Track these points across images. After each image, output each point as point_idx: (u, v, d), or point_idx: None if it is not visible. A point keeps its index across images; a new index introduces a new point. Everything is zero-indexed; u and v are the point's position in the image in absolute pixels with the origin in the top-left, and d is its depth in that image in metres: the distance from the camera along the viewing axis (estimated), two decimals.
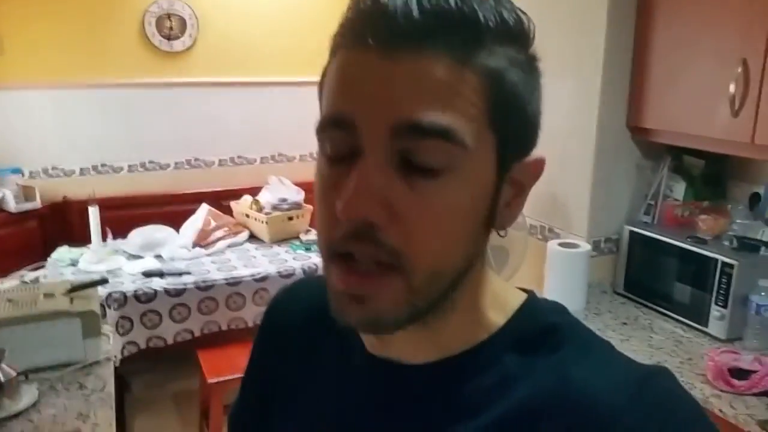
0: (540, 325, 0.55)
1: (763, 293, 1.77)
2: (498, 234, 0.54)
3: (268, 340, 0.73)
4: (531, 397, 0.50)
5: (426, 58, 0.45)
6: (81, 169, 3.83)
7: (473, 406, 0.52)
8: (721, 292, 1.85)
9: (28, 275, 2.80)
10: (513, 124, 0.50)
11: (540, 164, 0.53)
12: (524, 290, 0.60)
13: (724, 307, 1.84)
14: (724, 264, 1.84)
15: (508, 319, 0.56)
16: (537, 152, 0.53)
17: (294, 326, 0.70)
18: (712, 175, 2.18)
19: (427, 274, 0.49)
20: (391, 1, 0.46)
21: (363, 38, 0.47)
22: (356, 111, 0.47)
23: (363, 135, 0.46)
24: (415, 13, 0.45)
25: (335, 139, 0.49)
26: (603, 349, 0.54)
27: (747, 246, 1.90)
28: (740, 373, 1.62)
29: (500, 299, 0.57)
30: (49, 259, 3.04)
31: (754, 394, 1.57)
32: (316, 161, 0.53)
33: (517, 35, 0.49)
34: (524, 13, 0.50)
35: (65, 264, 2.97)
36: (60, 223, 3.62)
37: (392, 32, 0.45)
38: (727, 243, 1.95)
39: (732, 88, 1.73)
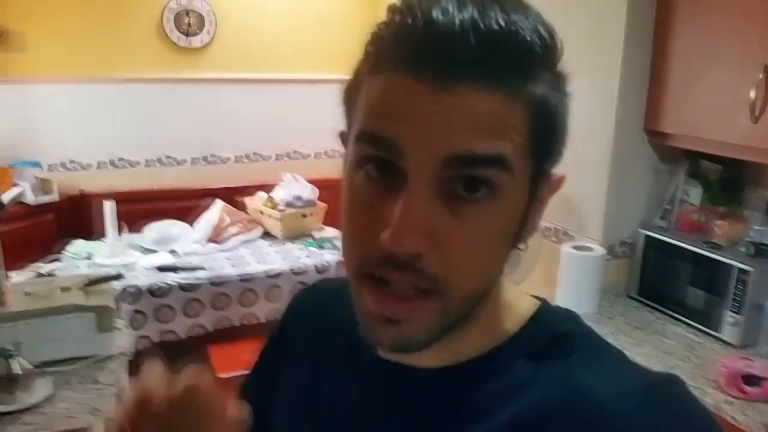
0: (551, 332, 0.55)
1: None
2: (518, 248, 0.55)
3: (284, 338, 0.75)
4: (540, 403, 0.50)
5: (481, 90, 0.45)
6: (98, 163, 3.85)
7: (483, 411, 0.53)
8: (736, 298, 1.83)
9: (44, 267, 2.83)
10: (550, 148, 0.51)
11: (561, 181, 0.55)
12: (537, 298, 0.60)
13: (739, 313, 1.83)
14: (740, 270, 1.83)
15: (520, 326, 0.56)
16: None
17: (308, 326, 0.71)
18: (729, 180, 2.16)
19: (462, 295, 0.49)
20: (443, 24, 0.44)
21: (415, 65, 0.45)
22: (406, 139, 0.46)
23: (411, 163, 0.46)
24: (471, 41, 0.44)
25: (376, 158, 0.48)
26: (613, 356, 0.54)
27: (763, 252, 1.88)
28: (753, 380, 1.60)
29: (513, 307, 0.57)
30: (64, 252, 3.07)
31: (767, 401, 1.56)
32: (345, 170, 0.52)
33: (552, 53, 0.49)
34: (548, 23, 0.49)
35: (81, 257, 3.00)
36: (76, 217, 3.65)
37: (447, 63, 0.44)
38: (743, 249, 1.93)
39: (752, 93, 1.71)
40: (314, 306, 0.73)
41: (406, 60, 0.46)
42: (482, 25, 0.44)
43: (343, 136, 0.55)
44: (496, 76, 0.45)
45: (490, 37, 0.44)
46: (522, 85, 0.46)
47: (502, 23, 0.45)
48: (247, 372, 0.80)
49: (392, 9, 0.48)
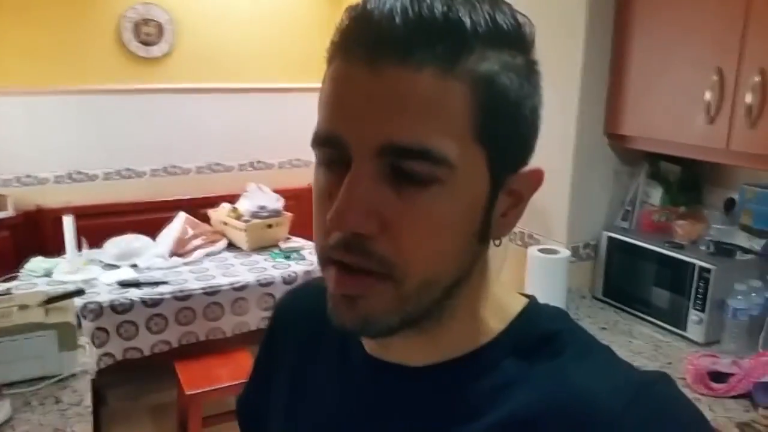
0: (540, 330, 0.55)
1: (739, 297, 1.79)
2: (493, 244, 0.54)
3: (274, 343, 0.75)
4: (530, 402, 0.50)
5: (410, 69, 0.45)
6: (55, 177, 3.77)
7: (472, 410, 0.53)
8: (699, 296, 1.87)
9: (1, 286, 2.74)
10: (504, 135, 0.49)
11: (538, 175, 0.53)
12: (525, 295, 0.60)
13: (702, 311, 1.86)
14: (701, 269, 1.86)
15: (508, 324, 0.56)
16: (534, 163, 0.53)
17: (297, 328, 0.71)
18: (688, 180, 2.21)
19: (418, 282, 0.49)
20: (376, 11, 0.46)
21: (350, 50, 0.47)
22: (344, 130, 0.47)
23: (352, 151, 0.47)
24: (398, 21, 0.45)
25: (327, 152, 0.50)
26: (603, 355, 0.54)
27: (723, 251, 1.92)
28: (719, 377, 1.63)
29: (501, 305, 0.57)
30: (22, 269, 2.98)
31: (733, 397, 1.59)
32: (314, 169, 0.53)
33: (513, 39, 0.49)
34: (524, 16, 0.50)
35: (39, 274, 2.92)
36: (33, 233, 3.55)
37: (376, 43, 0.46)
38: (703, 248, 1.97)
39: (708, 95, 1.75)
40: (303, 306, 0.72)
41: (343, 47, 0.48)
42: (410, 9, 0.45)
43: None
44: (422, 52, 0.45)
45: (415, 17, 0.45)
46: (454, 59, 0.46)
47: (436, 6, 0.45)
48: (243, 384, 0.80)
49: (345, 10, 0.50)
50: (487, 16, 0.47)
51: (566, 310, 2.15)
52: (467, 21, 0.46)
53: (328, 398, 0.63)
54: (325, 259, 0.51)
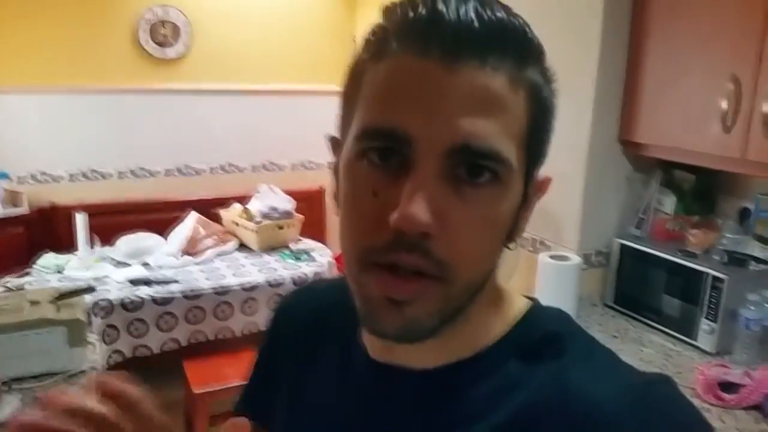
0: (542, 333, 0.56)
1: (752, 307, 1.77)
2: (507, 248, 0.55)
3: (274, 344, 0.75)
4: (531, 404, 0.51)
5: (487, 70, 0.46)
6: (70, 175, 3.80)
7: (475, 412, 0.53)
8: (711, 306, 1.85)
9: (13, 282, 2.76)
10: (539, 143, 0.52)
11: (547, 184, 0.56)
12: (529, 298, 0.61)
13: (714, 321, 1.84)
14: (714, 278, 1.85)
15: (512, 326, 0.57)
16: (546, 169, 0.55)
17: (298, 330, 0.71)
18: (702, 189, 2.19)
19: (463, 283, 0.49)
20: (449, 10, 0.46)
21: (419, 45, 0.47)
22: (410, 125, 0.46)
23: (418, 149, 0.46)
24: (476, 23, 0.46)
25: (382, 147, 0.48)
26: (605, 357, 0.55)
27: (736, 260, 1.90)
28: (730, 387, 1.62)
29: (505, 306, 0.58)
30: (34, 265, 3.00)
31: (744, 408, 1.57)
32: (343, 166, 0.52)
33: (543, 55, 0.52)
34: None
35: (51, 271, 2.94)
36: (47, 230, 3.58)
37: (455, 41, 0.46)
38: (716, 257, 1.95)
39: (723, 104, 1.74)
40: (305, 308, 0.73)
41: (413, 40, 0.47)
42: (485, 13, 0.46)
43: (335, 141, 0.55)
44: (498, 56, 0.47)
45: (492, 22, 0.47)
46: (523, 68, 0.48)
47: (502, 15, 0.48)
48: (243, 384, 0.80)
49: (391, 6, 0.49)
50: (527, 26, 0.50)
51: (577, 317, 2.15)
52: (526, 33, 0.49)
53: (329, 401, 0.63)
54: (368, 262, 0.49)
